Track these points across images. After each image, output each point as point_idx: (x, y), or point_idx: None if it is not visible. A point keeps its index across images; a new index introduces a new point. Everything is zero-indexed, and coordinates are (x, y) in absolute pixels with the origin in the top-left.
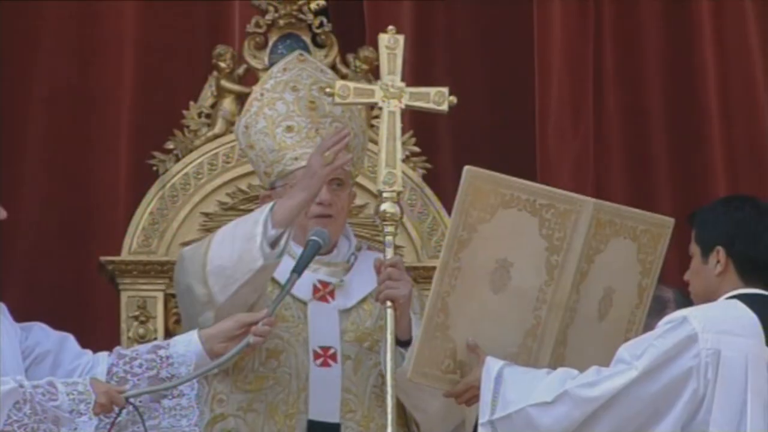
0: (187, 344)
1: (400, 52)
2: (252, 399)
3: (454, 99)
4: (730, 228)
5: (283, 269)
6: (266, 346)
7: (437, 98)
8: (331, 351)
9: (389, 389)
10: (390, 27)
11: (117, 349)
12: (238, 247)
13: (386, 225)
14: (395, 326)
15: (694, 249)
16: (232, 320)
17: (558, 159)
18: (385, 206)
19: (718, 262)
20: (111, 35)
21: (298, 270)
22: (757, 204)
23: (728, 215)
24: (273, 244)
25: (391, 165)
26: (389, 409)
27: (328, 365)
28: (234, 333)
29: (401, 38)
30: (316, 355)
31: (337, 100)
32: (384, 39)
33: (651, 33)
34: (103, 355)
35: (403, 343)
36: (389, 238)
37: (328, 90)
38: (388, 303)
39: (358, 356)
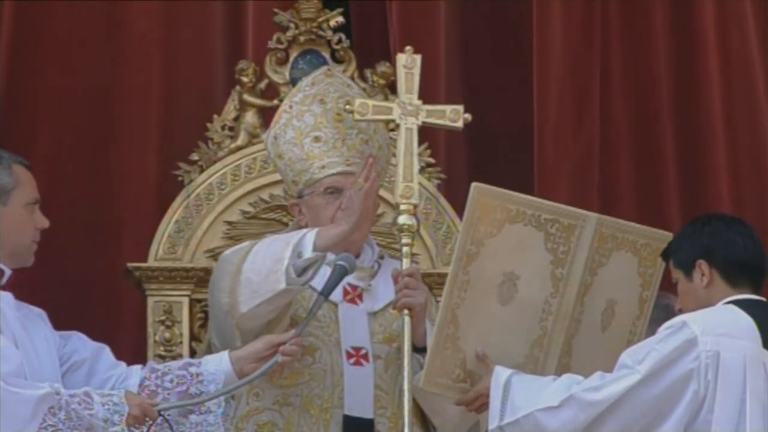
0: (218, 363)
1: (417, 71)
2: (288, 393)
3: (468, 116)
4: (704, 240)
5: (321, 277)
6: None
7: (452, 115)
8: (363, 351)
9: (406, 393)
10: (407, 47)
11: (150, 363)
12: (267, 264)
13: (403, 236)
14: (412, 333)
15: (677, 274)
16: (262, 342)
17: (556, 165)
18: (402, 218)
19: (703, 275)
20: (138, 38)
21: (324, 293)
22: (722, 216)
23: (698, 231)
24: (306, 269)
25: (408, 179)
26: (406, 412)
27: (361, 364)
28: (263, 354)
29: (418, 58)
30: (349, 355)
31: (357, 117)
32: (402, 59)
33: (658, 40)
34: (136, 368)
35: (420, 349)
36: (406, 248)
37: (347, 107)
38: (405, 311)
39: (388, 356)
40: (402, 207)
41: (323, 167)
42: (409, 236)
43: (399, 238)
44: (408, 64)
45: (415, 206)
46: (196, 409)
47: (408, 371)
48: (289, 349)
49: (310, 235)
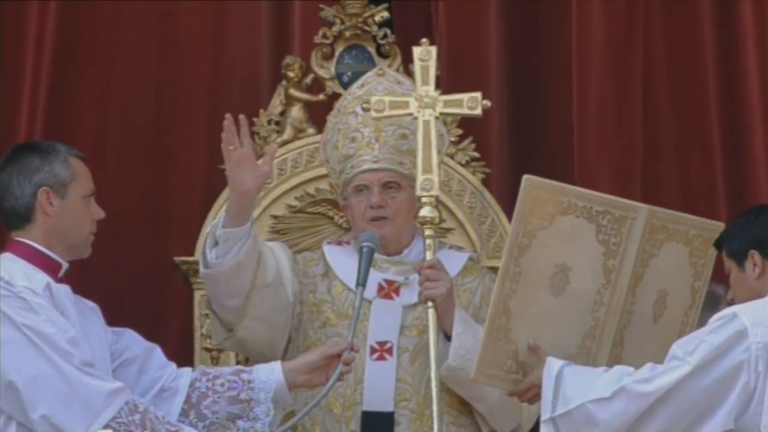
0: (270, 372)
1: (432, 63)
2: (315, 394)
3: (488, 103)
4: (757, 231)
5: (351, 271)
6: (328, 344)
7: (471, 103)
8: (388, 345)
9: (433, 383)
10: (423, 39)
11: (201, 367)
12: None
13: (426, 228)
14: (441, 322)
15: (729, 264)
16: (316, 353)
17: (596, 159)
18: (424, 211)
19: (755, 265)
20: (186, 34)
21: (361, 282)
22: None
23: (751, 222)
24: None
25: (428, 171)
26: (434, 403)
27: (384, 359)
28: (317, 365)
29: (433, 50)
30: (373, 350)
31: (374, 114)
32: (417, 51)
33: (701, 33)
34: (187, 369)
35: (450, 337)
36: (429, 241)
37: (364, 105)
38: (429, 303)
39: (416, 348)
40: (423, 199)
41: (353, 166)
42: (432, 228)
43: (422, 230)
44: (423, 57)
45: (436, 198)
46: (245, 415)
47: (434, 362)
48: (351, 358)
49: (219, 218)
